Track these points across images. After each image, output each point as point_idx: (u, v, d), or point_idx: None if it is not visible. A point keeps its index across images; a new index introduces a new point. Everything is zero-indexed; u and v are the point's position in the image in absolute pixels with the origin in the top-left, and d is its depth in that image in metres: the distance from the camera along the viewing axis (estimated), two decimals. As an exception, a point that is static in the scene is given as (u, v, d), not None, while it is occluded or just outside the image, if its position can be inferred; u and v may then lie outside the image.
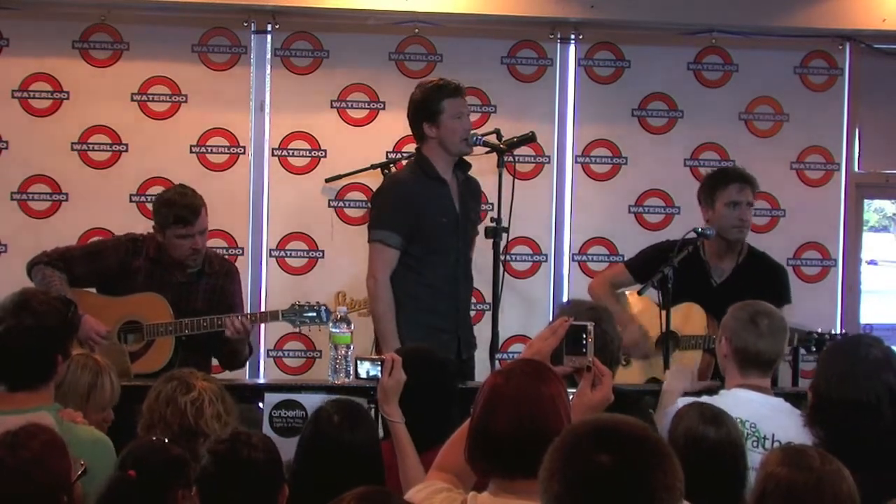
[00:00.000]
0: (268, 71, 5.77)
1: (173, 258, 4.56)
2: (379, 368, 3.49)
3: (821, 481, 2.39)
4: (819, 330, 4.71)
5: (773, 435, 3.41)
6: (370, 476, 2.93)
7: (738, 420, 3.35)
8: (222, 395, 3.25)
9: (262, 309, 5.59)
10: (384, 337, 4.54)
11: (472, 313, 5.05)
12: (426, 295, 4.63)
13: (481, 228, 4.76)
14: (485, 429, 2.51)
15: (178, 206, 4.50)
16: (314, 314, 4.48)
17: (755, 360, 3.61)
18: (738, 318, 3.65)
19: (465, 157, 4.73)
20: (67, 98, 5.67)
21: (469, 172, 4.78)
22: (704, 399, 3.39)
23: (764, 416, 3.46)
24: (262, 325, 5.58)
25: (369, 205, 5.14)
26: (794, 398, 3.67)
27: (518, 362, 2.71)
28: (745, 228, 4.79)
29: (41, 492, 2.42)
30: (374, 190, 5.03)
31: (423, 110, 4.63)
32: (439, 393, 3.55)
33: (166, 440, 2.83)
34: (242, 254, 5.72)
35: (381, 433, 3.53)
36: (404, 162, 5.39)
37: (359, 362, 3.58)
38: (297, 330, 4.73)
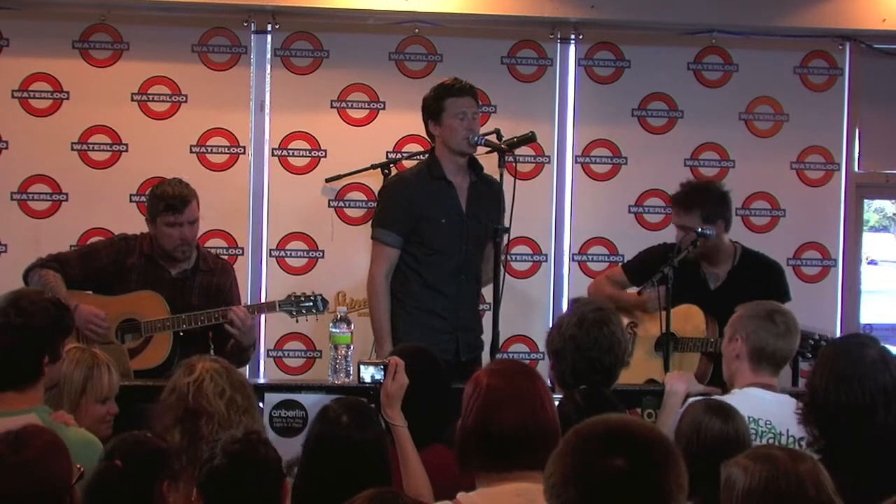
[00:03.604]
0: (268, 71, 5.77)
1: (164, 250, 4.57)
2: (382, 372, 3.49)
3: (801, 479, 2.39)
4: (816, 336, 4.70)
5: (788, 430, 3.43)
6: (378, 475, 2.93)
7: (753, 419, 3.37)
8: (227, 373, 3.20)
9: (262, 309, 5.61)
10: (377, 334, 4.60)
11: (473, 313, 5.04)
12: (425, 295, 4.64)
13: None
14: (486, 428, 2.62)
15: (167, 195, 4.54)
16: (310, 304, 4.49)
17: (770, 359, 3.62)
18: (754, 317, 3.65)
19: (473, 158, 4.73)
20: (67, 98, 5.67)
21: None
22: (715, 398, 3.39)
23: (776, 413, 3.47)
24: (263, 327, 5.59)
25: (372, 203, 5.14)
26: (794, 398, 3.67)
27: (503, 362, 2.93)
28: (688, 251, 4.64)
29: (44, 491, 2.41)
30: (380, 187, 5.03)
31: (428, 109, 4.65)
32: (435, 391, 3.55)
33: (148, 434, 2.82)
34: (242, 254, 5.73)
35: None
36: (405, 162, 5.40)
37: (362, 367, 3.57)
38: (295, 321, 4.66)
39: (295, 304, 4.50)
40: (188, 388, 3.14)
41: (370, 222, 4.77)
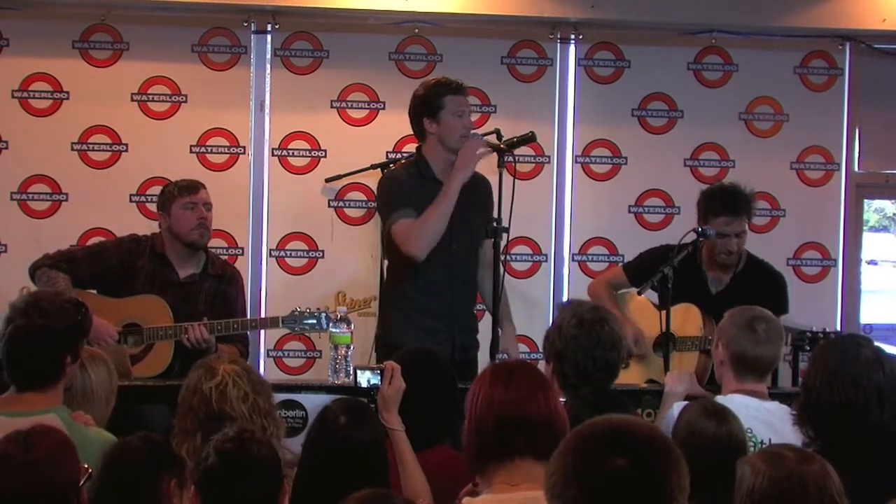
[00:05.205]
0: (268, 71, 5.77)
1: (183, 238, 4.57)
2: (379, 377, 3.49)
3: (804, 481, 2.39)
4: (813, 328, 4.70)
5: (770, 439, 3.41)
6: (376, 475, 2.93)
7: None
8: (248, 375, 3.23)
9: (262, 310, 5.61)
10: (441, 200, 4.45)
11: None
12: (420, 296, 4.58)
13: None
14: (489, 424, 2.65)
15: (180, 182, 4.69)
16: (314, 321, 4.45)
17: (752, 366, 3.62)
18: (735, 324, 3.65)
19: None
20: (67, 98, 5.67)
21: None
22: None
23: (760, 420, 3.46)
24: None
25: (372, 203, 5.11)
26: (793, 398, 3.66)
27: (505, 362, 2.90)
28: (734, 256, 4.72)
29: (53, 491, 2.42)
30: (376, 191, 4.98)
31: (424, 106, 4.60)
32: (439, 393, 3.55)
33: (147, 433, 2.82)
34: (242, 254, 5.73)
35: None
36: (404, 162, 5.38)
37: (359, 372, 3.57)
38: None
39: (298, 322, 4.46)
40: (211, 392, 3.15)
41: (376, 218, 4.70)
